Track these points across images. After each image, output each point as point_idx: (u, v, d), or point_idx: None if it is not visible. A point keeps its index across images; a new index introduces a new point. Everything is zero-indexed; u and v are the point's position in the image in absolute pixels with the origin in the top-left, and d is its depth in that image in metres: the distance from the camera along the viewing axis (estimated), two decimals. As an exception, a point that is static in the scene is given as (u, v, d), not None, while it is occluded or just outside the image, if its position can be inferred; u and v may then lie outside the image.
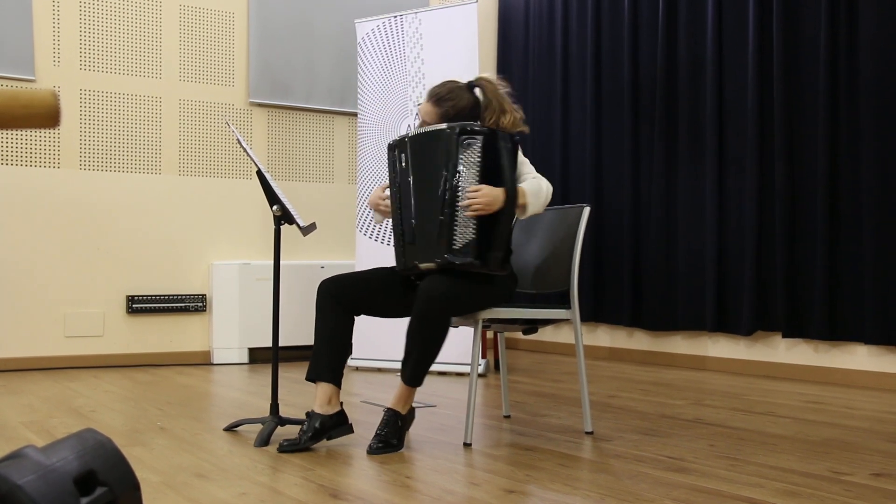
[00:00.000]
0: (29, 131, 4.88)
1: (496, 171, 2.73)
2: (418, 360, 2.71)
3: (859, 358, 4.30)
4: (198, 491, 2.24)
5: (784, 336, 4.51)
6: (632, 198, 5.35)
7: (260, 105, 5.54)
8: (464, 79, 3.00)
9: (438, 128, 2.79)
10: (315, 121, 5.75)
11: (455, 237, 2.70)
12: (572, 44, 5.86)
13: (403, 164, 2.85)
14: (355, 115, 5.58)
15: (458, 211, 2.70)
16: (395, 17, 5.05)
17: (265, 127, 5.57)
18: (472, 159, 2.71)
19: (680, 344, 5.17)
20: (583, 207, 3.07)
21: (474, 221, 2.69)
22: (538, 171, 2.96)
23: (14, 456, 1.13)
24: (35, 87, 4.84)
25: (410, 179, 2.82)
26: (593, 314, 5.58)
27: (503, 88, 2.97)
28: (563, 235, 3.10)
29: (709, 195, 4.90)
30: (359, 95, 5.19)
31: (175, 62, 5.27)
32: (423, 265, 2.77)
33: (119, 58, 5.11)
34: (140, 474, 2.36)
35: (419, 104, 3.00)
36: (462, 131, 2.73)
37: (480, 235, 2.70)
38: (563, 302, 3.04)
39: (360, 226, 5.09)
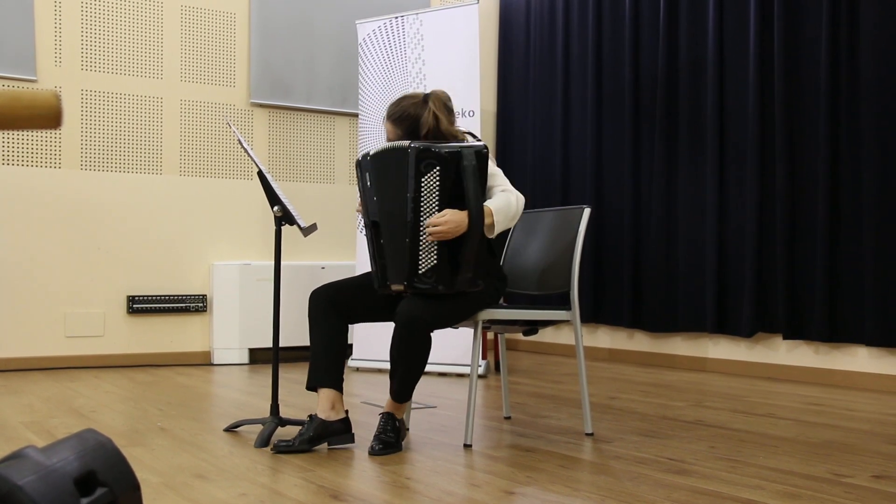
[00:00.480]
0: (30, 131, 4.88)
1: (459, 193, 2.69)
2: (403, 378, 2.72)
3: (860, 360, 4.30)
4: (198, 491, 2.24)
5: (785, 338, 4.51)
6: (632, 198, 5.35)
7: (261, 105, 5.55)
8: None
9: (397, 146, 2.75)
10: (316, 121, 5.75)
11: (419, 262, 2.69)
12: (573, 45, 5.86)
13: (368, 183, 2.83)
14: (356, 115, 5.59)
15: (421, 236, 2.68)
16: (396, 17, 5.05)
17: (266, 127, 5.57)
18: (433, 184, 2.68)
19: (680, 345, 5.17)
20: (583, 209, 3.07)
21: (436, 246, 2.67)
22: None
23: (14, 456, 1.13)
24: (36, 87, 4.84)
25: (375, 199, 2.80)
26: (593, 315, 5.58)
27: (447, 105, 2.87)
28: (564, 236, 3.09)
29: (709, 196, 4.90)
30: (360, 96, 5.19)
31: (176, 62, 5.28)
32: (394, 286, 2.76)
33: (120, 58, 5.11)
34: (140, 475, 2.36)
35: (383, 118, 2.97)
36: (421, 154, 2.67)
37: (444, 260, 2.68)
38: (564, 303, 3.04)
39: (360, 227, 5.09)
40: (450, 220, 2.65)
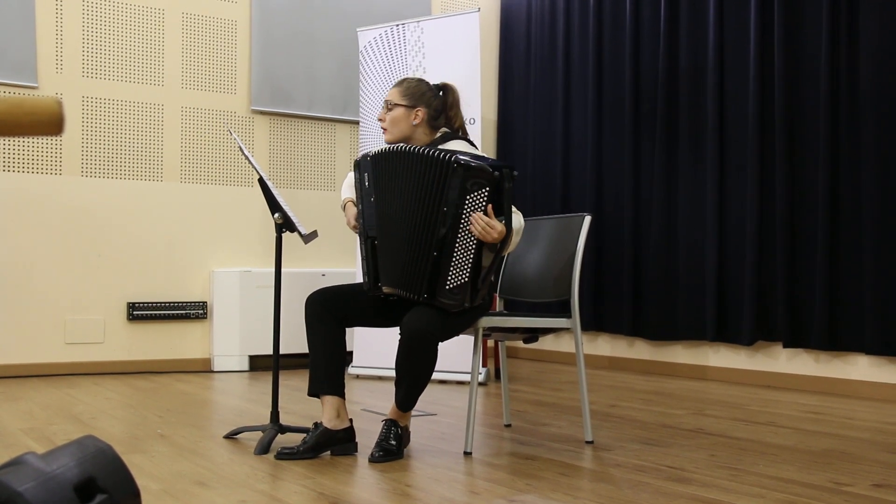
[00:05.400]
0: (31, 138, 4.89)
1: (497, 211, 2.68)
2: (409, 389, 2.73)
3: (860, 368, 4.29)
4: (197, 499, 2.24)
5: (785, 346, 4.50)
6: (632, 206, 5.35)
7: (262, 113, 5.56)
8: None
9: (433, 156, 2.69)
10: (317, 129, 5.76)
11: (449, 278, 2.67)
12: (574, 52, 5.88)
13: (367, 183, 2.81)
14: (357, 123, 5.59)
15: (455, 252, 2.66)
16: (398, 25, 5.06)
17: (267, 135, 5.58)
18: (478, 203, 2.65)
19: (681, 353, 5.16)
20: (584, 216, 3.08)
21: (470, 264, 2.66)
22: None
23: (14, 463, 1.13)
24: (38, 94, 4.85)
25: (374, 200, 2.79)
26: (594, 323, 5.58)
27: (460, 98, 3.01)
28: (564, 244, 3.10)
29: (709, 204, 4.91)
30: (360, 104, 5.20)
31: (177, 70, 5.29)
32: (386, 289, 2.76)
33: (121, 65, 5.12)
34: (140, 482, 2.35)
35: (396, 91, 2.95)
36: (469, 173, 2.63)
37: (472, 278, 2.67)
38: (564, 311, 3.04)
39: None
40: (496, 228, 2.63)
